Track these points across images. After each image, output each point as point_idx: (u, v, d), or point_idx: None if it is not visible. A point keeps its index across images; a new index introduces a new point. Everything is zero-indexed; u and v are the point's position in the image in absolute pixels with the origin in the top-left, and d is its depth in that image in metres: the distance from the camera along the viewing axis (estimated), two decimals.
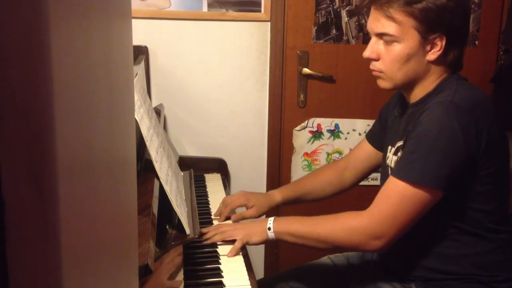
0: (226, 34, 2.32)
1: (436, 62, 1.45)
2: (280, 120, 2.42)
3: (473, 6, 2.36)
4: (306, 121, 2.42)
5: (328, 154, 2.47)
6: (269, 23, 2.33)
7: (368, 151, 1.79)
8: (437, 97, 1.43)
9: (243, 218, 1.74)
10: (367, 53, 1.49)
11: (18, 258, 0.35)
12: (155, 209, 1.35)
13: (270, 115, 2.41)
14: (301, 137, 2.44)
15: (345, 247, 1.52)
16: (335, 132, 2.45)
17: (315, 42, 2.35)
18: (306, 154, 2.46)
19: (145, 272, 1.12)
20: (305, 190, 1.83)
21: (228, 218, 1.76)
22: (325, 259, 1.81)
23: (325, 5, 2.31)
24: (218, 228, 1.61)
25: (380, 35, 1.45)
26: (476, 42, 2.40)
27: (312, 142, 2.45)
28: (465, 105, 1.38)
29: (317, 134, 2.45)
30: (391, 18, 1.41)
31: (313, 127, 2.44)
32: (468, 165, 1.38)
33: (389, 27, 1.42)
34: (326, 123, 2.44)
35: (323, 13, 2.32)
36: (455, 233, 1.47)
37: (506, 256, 1.50)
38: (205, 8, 2.28)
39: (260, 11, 2.31)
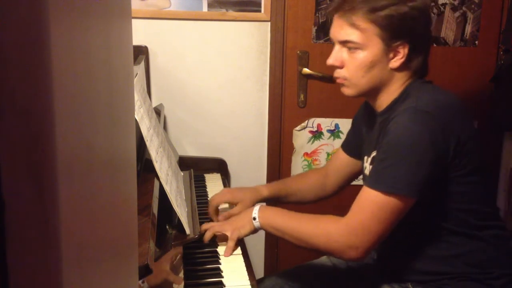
0: (226, 34, 2.32)
1: (399, 69, 1.46)
2: (280, 120, 2.42)
3: (473, 6, 2.36)
4: (306, 121, 2.42)
5: (328, 154, 2.47)
6: (269, 23, 2.33)
7: (345, 160, 1.81)
8: (403, 104, 1.44)
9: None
10: (330, 61, 1.50)
11: (18, 258, 0.35)
12: (155, 209, 1.35)
13: (270, 115, 2.41)
14: (301, 137, 2.44)
15: (324, 251, 1.54)
16: (335, 132, 2.45)
17: (315, 42, 2.35)
18: (306, 154, 2.46)
19: (145, 272, 1.12)
20: (291, 191, 1.84)
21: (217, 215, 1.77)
22: (324, 259, 1.81)
23: (325, 5, 2.31)
24: (208, 225, 1.62)
25: (344, 43, 1.46)
26: (476, 42, 2.40)
27: (312, 142, 2.45)
28: (430, 109, 1.38)
29: (317, 134, 2.45)
30: (354, 26, 1.42)
31: (313, 127, 2.44)
32: (439, 169, 1.39)
33: (353, 35, 1.43)
34: (326, 123, 2.44)
35: (323, 13, 2.32)
36: (445, 234, 1.48)
37: (498, 253, 1.51)
38: (205, 8, 2.28)
39: (260, 11, 2.31)
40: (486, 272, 1.48)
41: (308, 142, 2.45)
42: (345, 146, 1.82)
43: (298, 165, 2.46)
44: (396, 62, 1.45)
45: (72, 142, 0.39)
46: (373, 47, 1.43)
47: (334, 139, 2.45)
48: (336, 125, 2.44)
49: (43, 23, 0.33)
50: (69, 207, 0.37)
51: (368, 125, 1.65)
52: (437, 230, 1.48)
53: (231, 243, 1.56)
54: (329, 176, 1.85)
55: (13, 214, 0.34)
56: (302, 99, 2.40)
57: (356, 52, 1.45)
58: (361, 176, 1.81)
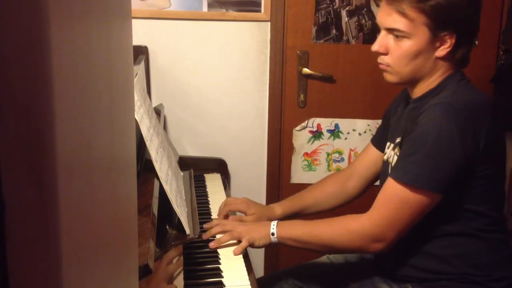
0: (226, 34, 2.32)
1: (444, 58, 1.45)
2: (280, 120, 2.42)
3: None
4: (306, 121, 2.42)
5: (328, 154, 2.47)
6: (269, 23, 2.33)
7: (374, 155, 1.75)
8: (436, 97, 1.43)
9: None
10: (375, 47, 1.49)
11: (18, 258, 0.35)
12: (155, 209, 1.35)
13: (270, 115, 2.41)
14: (301, 137, 2.44)
15: (347, 250, 1.54)
16: (335, 132, 2.45)
17: (315, 42, 2.35)
18: (306, 154, 2.46)
19: (145, 272, 1.12)
20: (307, 204, 1.81)
21: (226, 218, 1.76)
22: (324, 258, 1.81)
23: (325, 5, 2.31)
24: (221, 225, 1.60)
25: (390, 30, 1.45)
26: (476, 42, 2.40)
27: (312, 142, 2.45)
28: (463, 108, 1.37)
29: (317, 134, 2.45)
30: (402, 14, 1.40)
31: (313, 127, 2.44)
32: (465, 168, 1.38)
33: (400, 23, 1.41)
34: (326, 123, 2.44)
35: (323, 13, 2.32)
36: (449, 234, 1.47)
37: (499, 256, 1.50)
38: (205, 8, 2.28)
39: (260, 11, 2.31)
40: (487, 275, 1.47)
41: (308, 142, 2.45)
42: (375, 141, 1.77)
43: (298, 165, 2.46)
44: (442, 51, 1.43)
45: (72, 142, 0.39)
46: (420, 37, 1.41)
47: (334, 139, 2.45)
48: (336, 125, 2.44)
49: (43, 23, 0.33)
50: (69, 207, 0.37)
51: (398, 113, 1.63)
52: (442, 229, 1.47)
53: (245, 243, 1.54)
54: (353, 178, 1.80)
55: (13, 214, 0.34)
56: (302, 99, 2.40)
57: (402, 41, 1.43)
58: None
